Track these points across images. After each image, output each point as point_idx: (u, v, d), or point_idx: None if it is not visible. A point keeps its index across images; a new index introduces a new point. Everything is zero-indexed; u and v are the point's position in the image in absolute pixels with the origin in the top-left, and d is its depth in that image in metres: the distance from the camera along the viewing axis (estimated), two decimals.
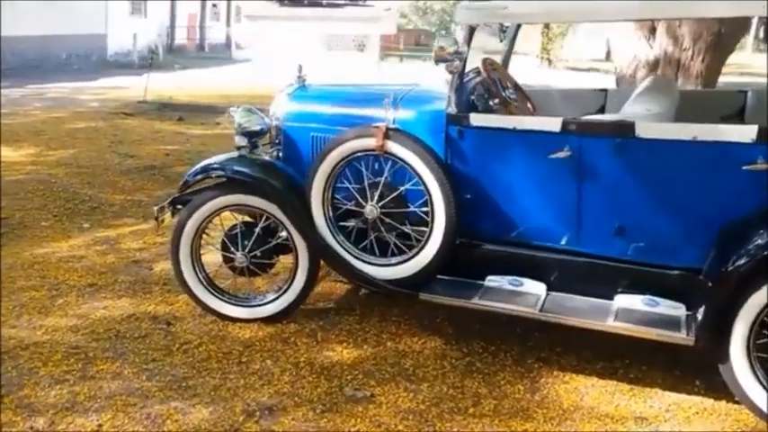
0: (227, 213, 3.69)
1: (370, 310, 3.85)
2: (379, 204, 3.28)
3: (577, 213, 3.09)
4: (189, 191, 3.63)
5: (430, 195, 3.17)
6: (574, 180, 3.04)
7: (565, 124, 3.01)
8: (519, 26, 3.94)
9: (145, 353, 3.36)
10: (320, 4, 20.79)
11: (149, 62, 13.85)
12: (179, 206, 3.66)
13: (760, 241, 2.67)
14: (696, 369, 3.17)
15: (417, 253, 3.27)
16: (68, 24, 21.35)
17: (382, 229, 3.32)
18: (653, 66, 6.50)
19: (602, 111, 3.92)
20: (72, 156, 7.77)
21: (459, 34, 3.20)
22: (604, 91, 4.09)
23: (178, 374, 3.17)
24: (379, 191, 3.27)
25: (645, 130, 2.89)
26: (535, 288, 3.21)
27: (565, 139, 2.99)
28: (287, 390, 3.07)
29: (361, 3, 22.17)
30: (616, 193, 3.01)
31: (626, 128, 2.93)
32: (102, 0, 23.11)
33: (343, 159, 3.29)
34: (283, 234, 3.56)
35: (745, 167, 2.71)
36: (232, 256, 3.60)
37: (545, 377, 3.24)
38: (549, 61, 24.18)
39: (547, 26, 25.48)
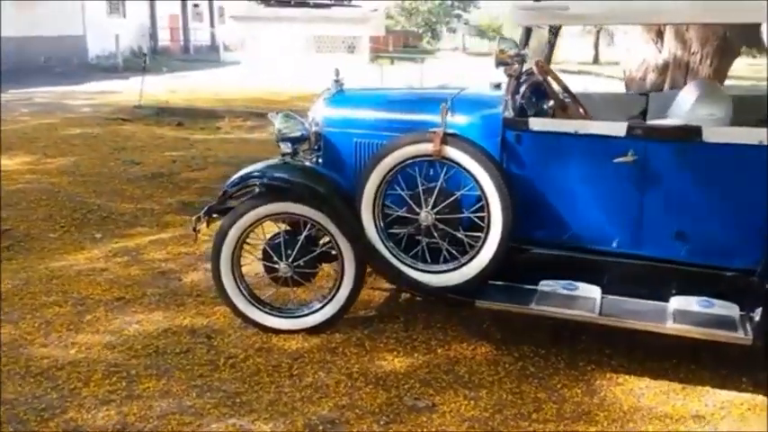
0: (267, 222, 3.62)
1: (413, 318, 3.80)
2: (434, 210, 3.24)
3: (638, 217, 3.08)
4: (227, 201, 3.55)
5: (487, 201, 3.14)
6: (636, 184, 3.03)
7: (630, 128, 3.00)
8: (560, 27, 3.92)
9: (190, 369, 3.28)
10: (307, 5, 20.67)
11: (143, 65, 13.64)
12: (215, 215, 3.59)
13: None
14: (741, 367, 3.19)
15: (472, 259, 3.23)
16: (44, 25, 20.89)
17: (436, 235, 3.28)
18: (662, 69, 6.54)
19: (644, 114, 3.91)
20: (73, 163, 7.61)
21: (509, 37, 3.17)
22: (645, 95, 4.08)
23: (230, 390, 3.09)
24: (434, 197, 3.22)
25: (712, 135, 2.89)
26: (590, 292, 3.20)
27: (630, 143, 2.97)
28: (345, 402, 3.02)
29: (347, 3, 22.10)
30: (678, 197, 3.00)
31: (693, 132, 2.92)
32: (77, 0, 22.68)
33: (397, 165, 3.24)
34: (325, 240, 3.51)
35: None
36: (275, 266, 3.53)
37: (599, 379, 3.23)
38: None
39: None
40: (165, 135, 9.87)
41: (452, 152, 3.16)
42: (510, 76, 3.13)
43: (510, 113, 3.19)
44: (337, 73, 3.81)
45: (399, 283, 3.51)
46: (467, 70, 20.08)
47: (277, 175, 3.46)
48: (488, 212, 3.16)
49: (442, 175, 3.23)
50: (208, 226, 3.62)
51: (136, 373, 3.22)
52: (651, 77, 6.57)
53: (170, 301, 4.04)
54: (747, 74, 18.17)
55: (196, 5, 33.14)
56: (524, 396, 3.08)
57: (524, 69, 3.20)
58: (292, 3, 20.62)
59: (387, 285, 4.16)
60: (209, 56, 28.36)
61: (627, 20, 4.28)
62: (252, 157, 7.57)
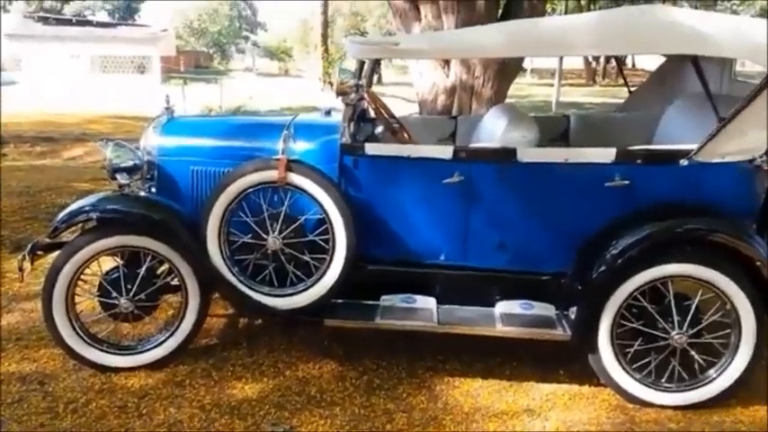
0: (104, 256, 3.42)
1: (257, 342, 3.81)
2: (281, 235, 3.30)
3: (464, 231, 3.40)
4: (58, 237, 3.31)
5: (331, 224, 3.27)
6: (462, 202, 3.35)
7: (456, 152, 3.32)
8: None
9: (27, 419, 3.00)
10: (89, 24, 19.34)
11: None
12: (39, 252, 3.33)
13: (615, 251, 3.16)
14: (556, 361, 3.60)
15: (319, 279, 3.34)
16: None
17: (283, 259, 3.34)
18: (450, 92, 7.22)
19: (453, 136, 4.32)
20: None
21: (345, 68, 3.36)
22: (454, 119, 4.51)
23: None
24: (280, 222, 3.29)
25: (525, 155, 3.30)
26: (427, 303, 3.47)
27: (456, 165, 3.29)
28: None
29: (132, 23, 21.05)
30: (499, 212, 3.36)
31: (510, 153, 3.31)
32: None
33: (242, 192, 3.27)
34: (166, 271, 3.41)
35: (606, 184, 3.22)
36: (114, 301, 3.35)
37: (439, 384, 3.48)
38: (332, 84, 25.04)
39: (326, 50, 26.54)
40: None
41: (296, 178, 3.26)
42: (347, 104, 3.31)
43: (347, 139, 3.36)
44: (167, 100, 3.72)
45: (248, 308, 3.51)
46: (260, 91, 20.19)
47: (113, 207, 3.30)
48: (332, 235, 3.30)
49: (287, 201, 3.31)
50: (32, 264, 3.32)
51: None
52: (441, 100, 7.19)
53: None
54: (510, 92, 20.45)
55: None
56: (375, 409, 3.24)
57: (358, 97, 3.40)
58: (74, 21, 19.17)
59: (225, 311, 4.12)
60: None
61: (454, 54, 4.72)
62: (50, 186, 7.01)
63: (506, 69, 7.12)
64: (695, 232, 3.16)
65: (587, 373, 3.40)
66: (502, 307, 3.46)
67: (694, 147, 3.19)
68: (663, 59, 4.39)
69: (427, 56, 4.55)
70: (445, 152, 3.34)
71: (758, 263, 3.07)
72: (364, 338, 3.78)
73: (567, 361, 3.54)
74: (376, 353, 3.70)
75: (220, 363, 3.57)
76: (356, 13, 41.52)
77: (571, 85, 28.67)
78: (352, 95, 3.28)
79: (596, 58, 21.76)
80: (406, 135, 3.74)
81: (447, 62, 7.30)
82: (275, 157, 3.29)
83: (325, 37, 29.40)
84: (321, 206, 3.28)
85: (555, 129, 4.41)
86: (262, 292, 3.38)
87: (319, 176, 3.27)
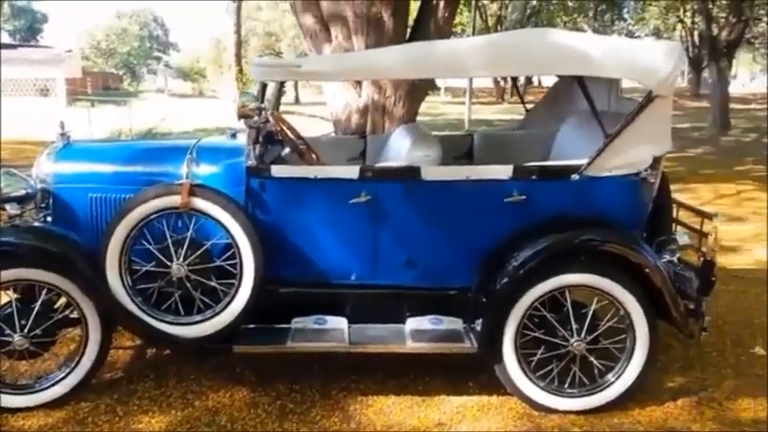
0: None
1: (165, 373, 3.70)
2: (186, 262, 3.24)
3: (373, 250, 3.43)
4: None
5: (238, 248, 3.24)
6: (370, 221, 3.38)
7: (362, 171, 3.36)
8: None
9: None
10: None
11: None
12: None
13: (515, 263, 3.27)
14: (467, 373, 3.68)
15: (227, 305, 3.30)
16: None
17: (188, 286, 3.27)
18: (363, 112, 7.33)
19: (363, 155, 4.37)
20: None
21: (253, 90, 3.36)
22: (364, 138, 4.56)
23: None
24: (184, 248, 3.22)
25: (429, 174, 3.37)
26: (339, 323, 3.47)
27: (362, 185, 3.32)
28: None
29: (34, 44, 20.20)
30: (406, 230, 3.42)
31: (414, 172, 3.37)
32: None
33: (143, 219, 3.19)
34: (63, 303, 3.27)
35: (506, 200, 3.34)
36: (7, 339, 3.18)
37: (352, 404, 3.49)
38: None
39: (241, 71, 26.27)
40: None
41: (200, 203, 3.21)
42: (251, 127, 3.30)
43: (253, 162, 3.35)
44: (62, 126, 3.59)
45: (153, 339, 3.41)
46: (173, 112, 19.75)
47: (4, 239, 3.14)
48: (240, 259, 3.26)
49: (191, 227, 3.26)
50: None
51: None
52: (355, 119, 7.28)
53: None
54: (424, 110, 20.97)
55: None
56: None
57: (262, 119, 3.39)
58: None
59: (132, 342, 3.99)
60: None
61: (356, 76, 4.78)
62: None
63: (416, 89, 7.29)
64: (589, 243, 3.31)
65: (495, 384, 3.49)
66: (412, 323, 3.51)
67: (585, 162, 3.35)
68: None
69: (330, 78, 4.61)
70: (351, 172, 3.38)
71: (647, 270, 3.26)
72: (278, 363, 3.74)
73: (476, 373, 3.63)
74: (289, 376, 3.68)
75: (126, 397, 3.45)
76: (270, 33, 41.39)
77: (482, 103, 29.55)
78: (255, 118, 3.27)
79: (504, 78, 22.61)
80: (313, 156, 3.76)
81: (359, 82, 7.41)
82: (178, 181, 3.23)
83: (238, 57, 29.14)
84: (227, 230, 3.24)
85: (460, 147, 4.54)
86: (167, 322, 3.30)
87: (224, 200, 3.23)
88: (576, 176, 3.34)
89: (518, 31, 4.15)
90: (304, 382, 3.65)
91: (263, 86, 3.38)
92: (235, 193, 3.33)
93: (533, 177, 3.36)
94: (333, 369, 3.76)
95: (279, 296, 3.46)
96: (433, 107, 23.25)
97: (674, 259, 3.47)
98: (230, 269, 3.29)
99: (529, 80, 35.82)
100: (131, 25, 52.18)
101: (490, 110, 24.88)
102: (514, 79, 6.17)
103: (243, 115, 3.22)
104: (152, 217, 3.22)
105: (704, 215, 3.59)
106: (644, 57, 3.34)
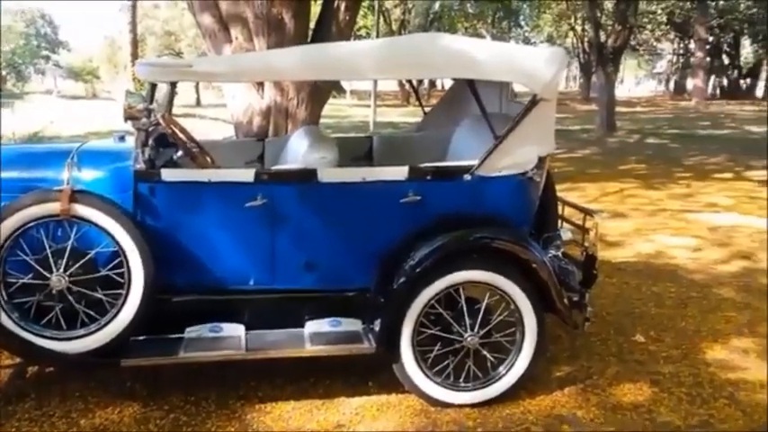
0: None
1: (47, 391, 3.50)
2: (67, 273, 3.07)
3: (271, 254, 3.39)
4: None
5: (125, 256, 3.11)
6: (267, 225, 3.34)
7: (257, 174, 3.30)
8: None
9: None
10: None
11: None
12: None
13: (412, 262, 3.33)
14: (366, 373, 3.71)
15: (114, 317, 3.16)
16: None
17: (71, 298, 3.11)
18: (266, 114, 7.24)
19: (261, 158, 4.31)
20: None
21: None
22: (262, 141, 4.49)
23: None
24: (65, 258, 3.06)
25: (325, 175, 3.36)
26: (235, 330, 3.40)
27: (258, 188, 3.27)
28: None
29: None
30: (304, 233, 3.39)
31: (310, 174, 3.35)
32: None
33: (19, 228, 3.00)
34: None
35: (401, 200, 3.37)
36: None
37: (250, 412, 3.43)
38: None
39: None
40: None
41: (82, 209, 3.07)
42: (139, 129, 3.18)
43: (141, 166, 3.22)
44: None
45: (34, 356, 3.21)
46: (63, 115, 18.75)
47: None
48: (128, 268, 3.14)
49: (73, 235, 3.10)
50: None
51: None
52: (257, 121, 7.17)
53: None
54: (330, 113, 21.14)
55: None
56: None
57: (152, 121, 3.28)
58: None
59: (11, 361, 3.74)
60: None
61: (249, 77, 4.70)
62: None
63: (319, 91, 7.27)
64: (481, 241, 3.41)
65: (394, 383, 3.53)
66: (311, 327, 3.49)
67: (476, 162, 3.45)
68: None
69: (224, 79, 4.51)
70: (247, 175, 3.32)
71: (534, 265, 3.39)
72: (172, 375, 3.63)
73: (376, 373, 3.66)
74: (184, 389, 3.57)
75: (3, 420, 3.24)
76: (170, 32, 40.06)
77: (388, 105, 29.84)
78: (144, 120, 3.15)
79: (409, 81, 22.94)
80: (207, 159, 3.66)
81: (260, 84, 7.30)
82: (57, 187, 3.06)
83: (134, 57, 27.98)
84: (113, 238, 3.10)
85: (359, 149, 4.56)
86: (48, 337, 3.12)
87: (109, 206, 3.10)
88: (468, 176, 3.43)
89: (412, 35, 4.24)
90: (200, 393, 3.56)
91: (153, 87, 3.25)
92: (122, 198, 3.20)
93: (428, 178, 3.42)
94: (231, 378, 3.68)
95: (172, 305, 3.35)
96: (338, 110, 23.31)
97: (559, 254, 3.64)
98: (118, 278, 3.15)
99: (432, 84, 36.61)
100: (16, 22, 49.09)
101: (396, 112, 25.18)
102: (410, 83, 6.27)
103: (130, 117, 3.10)
104: (29, 225, 3.03)
105: (586, 212, 3.79)
106: (529, 62, 3.47)
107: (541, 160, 3.52)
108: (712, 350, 4.22)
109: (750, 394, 3.67)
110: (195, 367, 3.57)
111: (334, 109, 23.16)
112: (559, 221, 4.01)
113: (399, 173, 3.40)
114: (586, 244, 3.71)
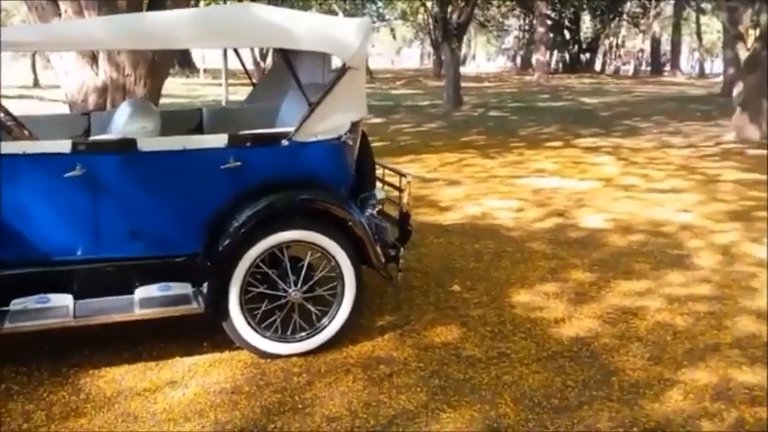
0: None
1: None
2: None
3: (95, 224, 3.46)
4: None
5: None
6: (89, 195, 3.40)
7: (75, 145, 3.35)
8: None
9: None
10: None
11: None
12: None
13: (236, 224, 3.54)
14: (200, 335, 3.88)
15: None
16: None
17: None
18: (102, 91, 7.05)
19: (87, 133, 4.30)
20: None
21: None
22: (87, 115, 4.47)
23: None
24: None
25: (145, 144, 3.47)
26: (63, 300, 3.45)
27: (77, 158, 3.32)
28: None
29: None
30: (127, 202, 3.49)
31: (130, 144, 3.45)
32: None
33: None
34: None
35: (222, 167, 3.55)
36: None
37: (83, 378, 3.52)
38: None
39: None
40: None
41: None
42: None
43: None
44: None
45: None
46: None
47: None
48: None
49: None
50: None
51: None
52: (93, 99, 6.99)
53: None
54: (183, 92, 20.64)
55: None
56: (13, 413, 3.17)
57: None
58: None
59: None
60: None
61: (63, 47, 4.61)
62: None
63: (157, 67, 7.19)
64: (301, 202, 3.69)
65: (227, 342, 3.75)
66: (141, 292, 3.60)
67: (293, 129, 3.70)
68: None
69: (37, 48, 4.44)
70: (63, 146, 3.36)
71: (351, 224, 3.72)
72: (5, 349, 3.61)
73: (211, 334, 3.83)
74: (16, 361, 3.59)
75: None
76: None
77: (243, 84, 29.22)
78: None
79: (264, 59, 22.74)
80: (25, 133, 3.63)
81: (95, 60, 7.07)
82: None
83: None
84: None
85: (190, 121, 4.67)
86: None
87: None
88: (285, 142, 3.68)
89: (228, 6, 4.38)
90: (32, 363, 3.60)
91: None
92: None
93: (247, 145, 3.63)
94: (65, 349, 3.73)
95: None
96: (192, 89, 22.65)
97: (374, 212, 3.99)
98: None
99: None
100: None
101: (249, 90, 24.83)
102: (258, 56, 6.36)
103: None
104: None
105: (400, 174, 4.17)
106: (338, 32, 3.75)
107: (354, 125, 3.84)
108: (518, 294, 4.78)
109: (545, 329, 4.22)
110: (27, 339, 3.58)
111: (189, 88, 22.53)
112: (377, 183, 4.37)
113: (219, 140, 3.58)
114: (401, 203, 4.09)
